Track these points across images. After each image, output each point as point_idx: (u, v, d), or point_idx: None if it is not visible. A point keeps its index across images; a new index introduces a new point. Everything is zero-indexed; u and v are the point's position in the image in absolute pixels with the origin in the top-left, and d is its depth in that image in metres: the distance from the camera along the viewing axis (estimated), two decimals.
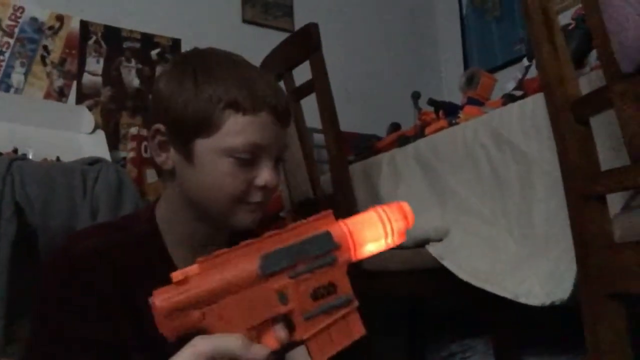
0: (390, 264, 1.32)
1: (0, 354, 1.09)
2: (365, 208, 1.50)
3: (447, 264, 1.21)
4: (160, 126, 0.74)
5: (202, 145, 0.71)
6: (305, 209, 1.53)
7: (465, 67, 2.75)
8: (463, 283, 1.18)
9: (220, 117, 0.70)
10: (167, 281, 0.50)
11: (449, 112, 1.57)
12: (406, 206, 0.59)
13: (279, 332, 0.52)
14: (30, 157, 1.56)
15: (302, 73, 1.41)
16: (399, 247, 1.37)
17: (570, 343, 1.52)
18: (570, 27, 1.23)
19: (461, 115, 1.47)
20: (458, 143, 1.30)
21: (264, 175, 0.72)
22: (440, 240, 1.29)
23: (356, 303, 0.55)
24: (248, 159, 0.71)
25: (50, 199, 1.26)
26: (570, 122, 0.85)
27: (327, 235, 0.54)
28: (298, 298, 0.52)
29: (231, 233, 0.79)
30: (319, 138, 1.87)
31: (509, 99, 1.47)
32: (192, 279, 0.49)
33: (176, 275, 0.49)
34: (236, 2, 2.46)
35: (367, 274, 1.30)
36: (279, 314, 0.52)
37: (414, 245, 1.35)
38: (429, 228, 1.30)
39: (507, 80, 1.73)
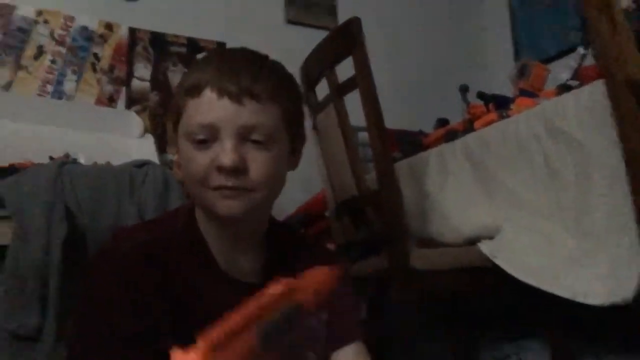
0: (439, 262, 1.28)
1: (51, 352, 1.12)
2: (412, 205, 1.46)
3: (500, 262, 1.16)
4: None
5: (179, 134, 0.74)
6: (350, 208, 1.50)
7: (516, 58, 2.65)
8: (516, 281, 1.13)
9: (182, 104, 0.73)
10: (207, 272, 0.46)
11: (500, 104, 1.51)
12: None
13: None
14: (82, 161, 1.61)
15: (346, 69, 1.39)
16: (448, 245, 1.34)
17: (632, 344, 1.44)
18: (630, 10, 1.16)
19: (513, 107, 1.41)
20: (510, 136, 1.24)
21: (220, 155, 0.70)
22: (491, 237, 1.24)
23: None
24: (203, 139, 0.70)
25: (99, 202, 1.28)
26: (632, 105, 0.79)
27: (300, 307, 0.52)
28: None
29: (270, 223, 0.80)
30: (363, 136, 1.84)
31: (563, 89, 1.40)
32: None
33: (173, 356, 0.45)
34: (279, 3, 2.46)
35: (415, 273, 1.27)
36: None
37: (464, 243, 1.30)
38: (479, 225, 1.26)
39: (561, 70, 1.66)
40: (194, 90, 0.71)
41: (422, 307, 1.63)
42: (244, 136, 0.71)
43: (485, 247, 1.20)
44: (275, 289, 0.51)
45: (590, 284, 0.98)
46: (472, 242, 1.26)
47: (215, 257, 0.77)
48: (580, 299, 1.00)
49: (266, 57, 0.79)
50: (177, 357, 0.44)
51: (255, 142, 0.71)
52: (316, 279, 0.55)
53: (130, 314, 0.68)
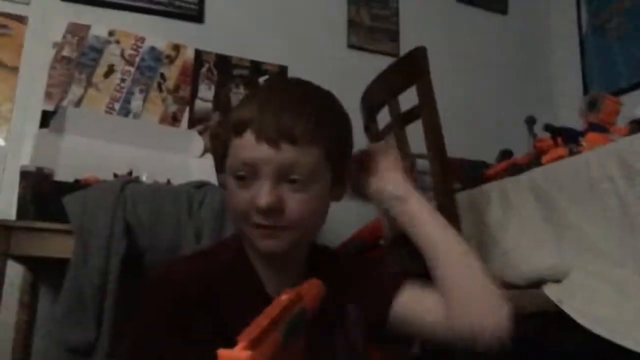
0: None
1: None
2: (471, 239, 1.41)
3: (567, 308, 1.09)
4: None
5: (226, 167, 0.77)
6: (406, 238, 1.46)
7: (585, 90, 2.55)
8: (583, 330, 1.06)
9: (228, 140, 0.76)
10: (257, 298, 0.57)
11: (568, 138, 1.44)
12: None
13: None
14: (144, 179, 1.64)
15: (408, 98, 1.36)
16: (510, 285, 1.28)
17: None
18: None
19: (583, 142, 1.34)
20: (581, 174, 1.18)
21: (257, 195, 0.72)
22: (557, 280, 1.17)
23: None
24: (244, 176, 0.73)
25: (158, 221, 1.30)
26: None
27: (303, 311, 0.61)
28: None
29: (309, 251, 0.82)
30: (422, 163, 1.81)
31: (638, 125, 1.32)
32: (253, 355, 0.51)
33: (235, 355, 0.50)
34: (342, 28, 2.47)
35: None
36: None
37: (527, 284, 1.24)
38: (544, 267, 1.19)
39: (635, 104, 1.58)
40: (238, 129, 0.74)
41: (481, 352, 1.55)
42: (282, 177, 0.72)
43: (550, 291, 1.14)
44: (288, 295, 0.59)
45: None
46: (536, 284, 1.19)
47: (264, 284, 0.79)
48: None
49: (313, 91, 0.80)
50: (223, 354, 0.49)
51: (293, 181, 0.72)
52: (313, 289, 0.64)
53: (177, 346, 0.70)
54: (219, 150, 0.78)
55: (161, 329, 0.72)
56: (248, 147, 0.72)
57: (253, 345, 0.51)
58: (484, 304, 0.74)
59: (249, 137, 0.72)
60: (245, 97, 0.81)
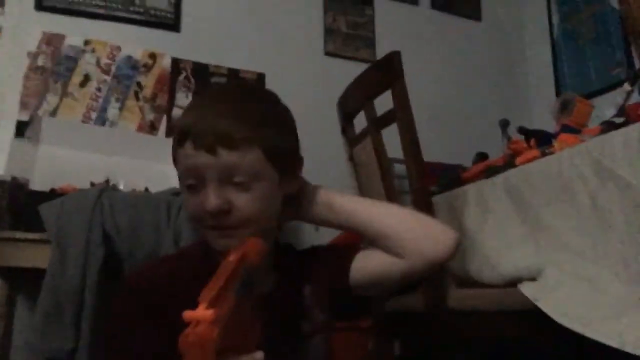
0: (479, 304, 1.23)
1: None
2: None
3: (542, 305, 1.11)
4: None
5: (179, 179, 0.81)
6: None
7: (557, 93, 2.60)
8: (560, 326, 1.07)
9: (175, 150, 0.78)
10: None
11: (542, 140, 1.47)
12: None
13: None
14: (121, 187, 1.63)
15: (384, 102, 1.38)
16: (489, 286, 1.29)
17: None
18: None
19: (555, 144, 1.37)
20: (553, 173, 1.20)
21: (205, 199, 0.75)
22: (533, 279, 1.19)
23: None
24: (192, 184, 0.76)
25: (137, 228, 1.29)
26: None
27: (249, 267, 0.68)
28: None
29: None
30: (400, 168, 1.82)
31: (609, 126, 1.35)
32: (216, 313, 0.57)
33: (200, 314, 0.57)
34: (318, 35, 2.49)
35: (455, 314, 1.23)
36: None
37: (504, 284, 1.25)
38: (520, 266, 1.21)
39: (606, 106, 1.61)
40: (179, 139, 0.76)
41: (459, 351, 1.57)
42: (225, 180, 0.75)
43: (526, 289, 1.15)
44: (234, 255, 0.65)
45: None
46: (513, 283, 1.21)
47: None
48: (628, 349, 0.94)
49: (250, 94, 0.85)
50: (187, 315, 0.56)
51: (237, 183, 0.75)
52: (253, 245, 0.70)
53: (146, 350, 0.74)
54: (173, 162, 0.82)
55: (130, 334, 0.76)
56: (189, 155, 0.75)
57: (213, 303, 0.57)
58: (430, 230, 0.82)
59: (188, 146, 0.75)
60: (187, 107, 0.84)
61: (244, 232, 0.75)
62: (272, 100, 0.85)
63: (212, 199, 0.74)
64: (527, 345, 1.85)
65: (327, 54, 2.48)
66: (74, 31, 2.08)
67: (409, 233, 0.81)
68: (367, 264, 0.85)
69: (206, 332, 0.54)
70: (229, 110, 0.77)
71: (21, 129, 1.84)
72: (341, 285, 0.84)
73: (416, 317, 1.40)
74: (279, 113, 0.84)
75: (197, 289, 0.78)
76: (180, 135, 0.76)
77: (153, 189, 1.62)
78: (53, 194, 1.45)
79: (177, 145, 0.77)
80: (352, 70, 1.66)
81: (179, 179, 0.78)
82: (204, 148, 0.74)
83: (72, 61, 2.06)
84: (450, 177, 1.81)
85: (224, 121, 0.75)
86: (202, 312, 0.56)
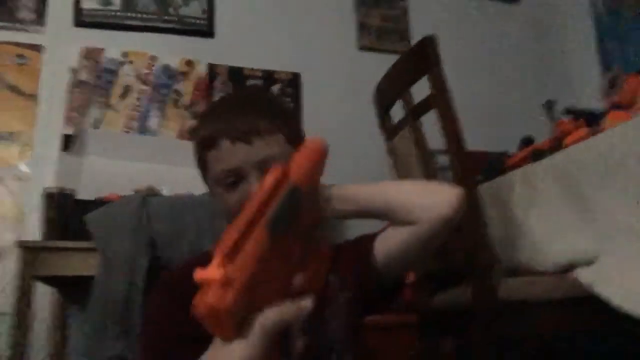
0: (529, 293, 1.18)
1: None
2: (497, 231, 1.37)
3: (600, 290, 1.05)
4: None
5: (208, 181, 0.86)
6: (433, 275, 1.43)
7: (604, 71, 2.49)
8: (620, 315, 1.01)
9: (204, 156, 0.84)
10: None
11: (590, 120, 1.40)
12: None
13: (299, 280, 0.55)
14: (164, 193, 1.65)
15: (421, 93, 1.34)
16: (540, 274, 1.24)
17: None
18: None
19: (605, 122, 1.30)
20: (605, 152, 1.14)
21: (248, 189, 0.79)
22: (588, 264, 1.13)
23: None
24: (233, 181, 0.81)
25: (179, 231, 1.31)
26: None
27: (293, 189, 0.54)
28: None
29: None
30: (442, 159, 1.78)
31: None
32: (227, 271, 0.45)
33: (209, 274, 0.45)
34: (351, 30, 2.47)
35: (502, 305, 1.18)
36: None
37: (557, 271, 1.20)
38: (574, 251, 1.15)
39: None
40: (211, 143, 0.82)
41: (513, 345, 1.51)
42: (262, 170, 0.79)
43: (582, 275, 1.10)
44: (268, 179, 0.52)
45: None
46: (567, 270, 1.15)
47: None
48: None
49: (256, 92, 0.96)
50: (198, 274, 0.45)
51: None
52: (302, 158, 0.58)
53: (179, 345, 0.76)
54: (200, 169, 0.87)
55: (163, 330, 0.80)
56: (226, 153, 0.81)
57: (229, 258, 0.46)
58: (433, 191, 0.87)
59: (224, 144, 0.81)
60: (202, 117, 0.94)
61: None
62: (271, 94, 0.95)
63: (256, 185, 0.78)
64: (584, 339, 1.76)
65: (362, 48, 2.46)
66: (112, 44, 2.13)
67: (414, 198, 0.85)
68: (387, 242, 0.88)
69: (217, 299, 0.44)
70: (248, 107, 0.86)
71: (67, 142, 1.90)
72: (367, 269, 0.87)
73: (464, 312, 1.35)
74: (282, 103, 0.95)
75: None
76: (211, 138, 0.82)
77: (195, 193, 1.64)
78: (99, 203, 1.48)
79: (208, 149, 0.83)
80: (388, 64, 1.62)
81: (213, 182, 0.83)
82: (241, 141, 0.80)
83: (112, 74, 2.11)
84: (495, 165, 1.75)
85: (250, 116, 0.82)
86: (210, 272, 0.45)
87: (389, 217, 0.86)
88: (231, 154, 0.81)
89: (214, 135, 0.82)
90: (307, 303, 0.53)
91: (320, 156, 0.61)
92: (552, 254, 1.20)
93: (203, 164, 0.86)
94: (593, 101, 1.70)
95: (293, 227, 0.53)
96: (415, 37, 2.49)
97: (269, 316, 0.50)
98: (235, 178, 0.81)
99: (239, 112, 0.84)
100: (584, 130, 1.35)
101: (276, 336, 0.49)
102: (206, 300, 0.44)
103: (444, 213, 0.83)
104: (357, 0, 2.50)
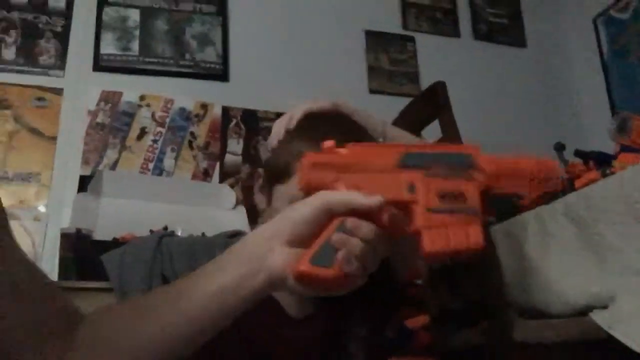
0: (545, 334, 1.17)
1: None
2: (511, 273, 1.37)
3: (617, 334, 1.04)
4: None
5: (279, 191, 0.82)
6: (443, 274, 1.43)
7: (612, 113, 2.52)
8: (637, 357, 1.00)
9: (294, 168, 0.78)
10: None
11: (601, 162, 1.42)
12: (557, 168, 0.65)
13: (395, 214, 0.57)
14: (179, 234, 1.67)
15: (433, 133, 1.37)
16: (555, 316, 1.23)
17: None
18: None
19: (616, 164, 1.32)
20: (616, 194, 1.15)
21: None
22: (605, 306, 1.13)
23: (482, 218, 0.60)
24: None
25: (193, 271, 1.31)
26: None
27: (469, 156, 0.62)
28: (426, 193, 0.58)
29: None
30: None
31: None
32: (340, 150, 0.57)
33: (326, 144, 0.58)
34: (362, 74, 2.53)
35: (518, 346, 1.17)
36: (403, 200, 0.58)
37: (573, 313, 1.19)
38: (590, 293, 1.15)
39: None
40: (287, 173, 0.80)
41: None
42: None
43: (599, 317, 1.09)
44: None
45: None
46: (582, 312, 1.15)
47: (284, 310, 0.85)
48: None
49: (343, 120, 0.89)
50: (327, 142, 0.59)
51: None
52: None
53: None
54: (278, 174, 0.83)
55: None
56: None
57: (358, 153, 0.59)
58: None
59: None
60: (279, 147, 0.85)
61: None
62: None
63: None
64: None
65: (372, 91, 2.51)
66: (130, 88, 2.19)
67: None
68: None
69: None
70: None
71: (84, 183, 1.94)
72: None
73: (480, 354, 1.34)
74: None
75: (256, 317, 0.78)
76: (287, 167, 0.79)
77: (209, 233, 1.65)
78: (116, 243, 1.50)
79: (283, 179, 0.80)
80: (398, 106, 1.67)
81: (289, 197, 0.79)
82: None
83: (128, 116, 2.17)
84: (508, 206, 1.76)
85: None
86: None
87: None
88: None
89: (286, 170, 0.80)
90: (378, 198, 0.55)
91: None
92: (567, 296, 1.20)
93: (285, 171, 0.81)
94: (603, 143, 1.72)
95: (426, 164, 0.61)
96: (425, 80, 2.55)
97: (337, 194, 0.55)
98: None
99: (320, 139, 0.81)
100: (594, 173, 1.37)
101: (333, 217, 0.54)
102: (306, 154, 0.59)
103: None
104: (367, 44, 2.57)
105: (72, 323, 0.66)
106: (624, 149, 1.44)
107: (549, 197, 1.42)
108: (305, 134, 0.83)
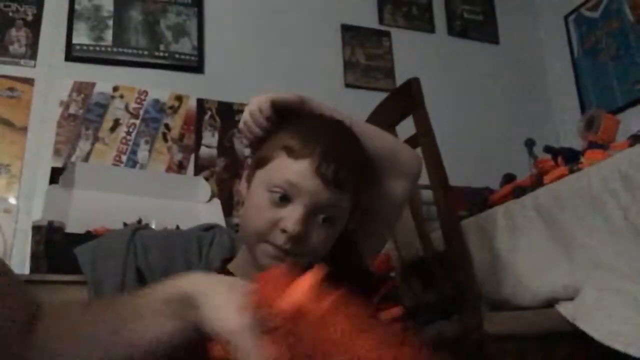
0: (516, 326, 1.21)
1: None
2: (482, 266, 1.40)
3: (581, 325, 1.09)
4: (250, 160, 0.88)
5: (257, 177, 0.79)
6: (416, 268, 1.46)
7: (582, 111, 2.58)
8: (601, 347, 1.04)
9: (276, 155, 0.77)
10: None
11: (569, 158, 1.46)
12: None
13: None
14: (153, 226, 1.66)
15: (408, 128, 1.39)
16: (524, 307, 1.27)
17: None
18: None
19: (583, 160, 1.36)
20: (583, 190, 1.19)
21: (288, 218, 0.74)
22: (570, 298, 1.17)
23: None
24: (280, 196, 0.75)
25: (169, 265, 1.31)
26: None
27: None
28: None
29: None
30: (427, 194, 1.82)
31: (636, 140, 1.34)
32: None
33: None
34: (338, 68, 2.54)
35: (491, 338, 1.20)
36: None
37: (540, 305, 1.23)
38: (556, 285, 1.19)
39: (632, 121, 1.60)
40: (295, 153, 0.76)
41: None
42: (317, 211, 0.75)
43: (564, 309, 1.13)
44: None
45: None
46: (549, 304, 1.19)
47: None
48: None
49: (353, 137, 0.83)
50: None
51: (324, 219, 0.76)
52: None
53: None
54: (256, 161, 0.80)
55: None
56: (301, 173, 0.74)
57: None
58: (404, 153, 0.93)
59: (305, 166, 0.74)
60: (304, 126, 0.80)
61: (300, 262, 0.74)
62: (362, 146, 0.85)
63: (299, 223, 0.73)
64: None
65: (348, 85, 2.52)
66: (103, 79, 2.16)
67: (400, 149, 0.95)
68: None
69: None
70: (344, 154, 0.77)
71: (56, 175, 1.90)
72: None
73: (452, 344, 1.37)
74: (369, 161, 0.86)
75: None
76: (299, 150, 0.75)
77: (184, 226, 1.65)
78: (88, 236, 1.48)
79: (288, 154, 0.76)
80: (373, 100, 1.68)
81: (262, 182, 0.77)
82: (322, 179, 0.74)
83: (102, 107, 2.14)
84: (479, 200, 1.80)
85: (341, 163, 0.75)
86: None
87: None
88: (304, 177, 0.74)
89: (304, 150, 0.75)
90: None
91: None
92: (535, 289, 1.24)
93: (266, 158, 0.78)
94: (572, 139, 1.77)
95: None
96: (400, 75, 2.57)
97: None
98: (288, 196, 0.75)
99: (340, 154, 0.76)
100: (563, 168, 1.40)
101: None
102: None
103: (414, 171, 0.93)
104: (344, 38, 2.58)
105: (33, 318, 0.67)
106: (592, 145, 1.48)
107: None
108: (286, 126, 0.81)
